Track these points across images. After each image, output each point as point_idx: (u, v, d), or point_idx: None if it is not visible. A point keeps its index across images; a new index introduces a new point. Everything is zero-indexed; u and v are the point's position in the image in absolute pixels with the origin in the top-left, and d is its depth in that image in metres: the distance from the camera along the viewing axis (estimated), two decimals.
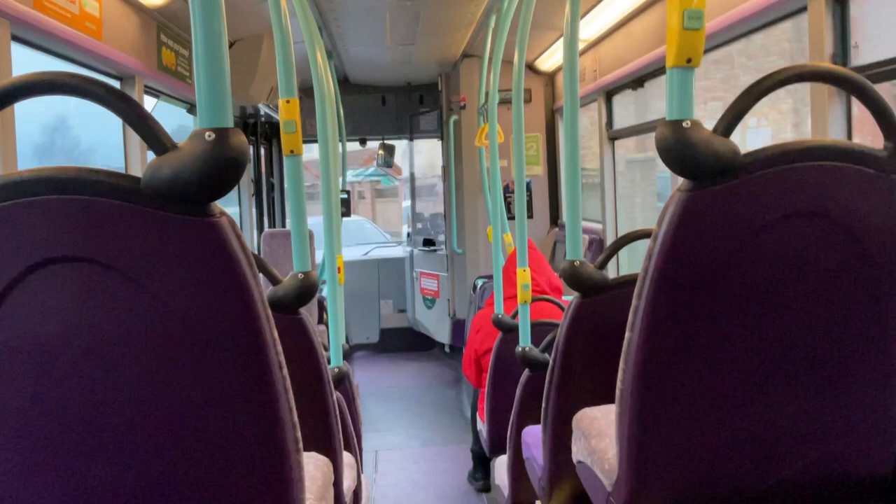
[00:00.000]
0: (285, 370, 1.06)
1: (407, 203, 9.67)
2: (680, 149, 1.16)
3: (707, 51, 3.04)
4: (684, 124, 1.15)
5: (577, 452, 1.70)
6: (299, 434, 1.09)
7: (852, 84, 1.26)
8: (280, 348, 1.04)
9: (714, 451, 1.31)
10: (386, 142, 7.23)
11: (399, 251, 8.04)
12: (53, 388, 0.97)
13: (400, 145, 7.60)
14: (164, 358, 0.97)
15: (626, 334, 1.31)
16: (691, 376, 1.28)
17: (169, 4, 3.60)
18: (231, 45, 4.74)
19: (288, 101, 1.88)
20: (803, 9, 2.48)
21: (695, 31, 1.14)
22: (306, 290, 1.77)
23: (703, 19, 1.14)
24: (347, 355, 2.79)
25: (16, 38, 2.42)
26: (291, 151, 1.90)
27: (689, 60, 1.16)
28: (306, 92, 2.82)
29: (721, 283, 1.22)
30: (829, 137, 2.35)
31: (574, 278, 1.92)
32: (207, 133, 0.94)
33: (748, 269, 1.21)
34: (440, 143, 6.84)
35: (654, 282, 1.23)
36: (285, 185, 1.94)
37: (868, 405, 1.31)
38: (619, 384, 1.35)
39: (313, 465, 1.47)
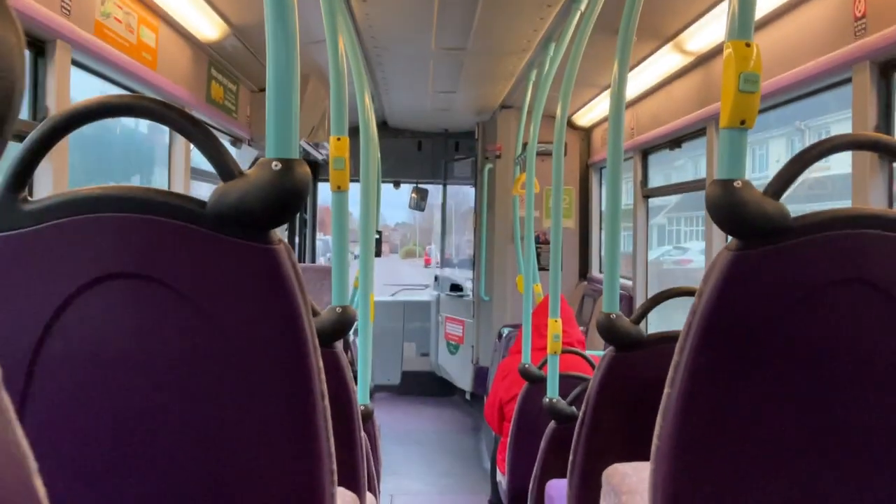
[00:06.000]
0: (327, 400, 1.07)
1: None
2: (730, 208, 1.16)
3: None
4: (735, 184, 1.17)
5: None
6: (335, 466, 1.10)
7: None
8: (324, 378, 1.06)
9: None
10: (419, 186, 7.31)
11: (426, 295, 8.05)
12: (103, 401, 0.99)
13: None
14: (214, 378, 0.99)
15: (665, 390, 1.31)
16: (730, 438, 1.26)
17: (221, 40, 3.71)
18: None
19: (339, 139, 1.92)
20: (848, 80, 2.50)
21: (750, 94, 1.16)
22: (344, 324, 1.78)
23: (759, 83, 1.16)
24: (370, 395, 2.80)
25: (76, 63, 2.51)
26: (339, 188, 1.93)
27: (742, 122, 1.18)
28: (350, 132, 2.88)
29: (765, 345, 1.21)
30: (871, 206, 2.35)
31: (610, 331, 1.92)
32: (274, 163, 0.97)
33: (793, 333, 1.21)
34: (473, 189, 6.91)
35: (696, 339, 1.23)
36: (331, 220, 1.97)
37: None
38: (655, 440, 1.34)
39: (341, 501, 1.46)
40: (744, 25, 1.18)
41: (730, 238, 1.21)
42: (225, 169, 0.97)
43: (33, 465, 0.35)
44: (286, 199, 0.97)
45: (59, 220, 0.97)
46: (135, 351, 0.97)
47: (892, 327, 1.22)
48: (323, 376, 1.05)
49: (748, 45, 1.18)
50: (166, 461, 1.00)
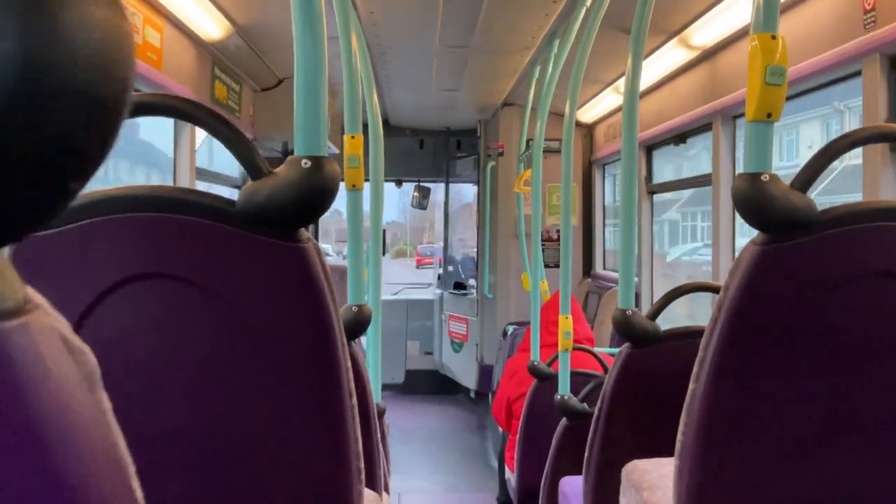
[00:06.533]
0: (355, 398, 1.06)
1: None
2: (757, 201, 1.16)
3: None
4: (762, 177, 1.16)
5: None
6: (363, 465, 1.09)
7: None
8: (352, 376, 1.05)
9: None
10: (421, 184, 7.30)
11: (428, 293, 8.04)
12: (133, 401, 0.98)
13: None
14: (244, 377, 0.98)
15: (690, 386, 1.30)
16: (755, 432, 1.26)
17: (225, 40, 3.70)
18: (280, 82, 4.85)
19: (353, 137, 1.91)
20: (858, 73, 2.49)
21: (777, 87, 1.15)
22: (360, 322, 1.78)
23: (786, 76, 1.16)
24: None
25: None
26: (353, 186, 1.93)
27: (769, 115, 1.17)
28: None
29: (792, 339, 1.21)
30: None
31: (626, 327, 1.91)
32: (304, 160, 0.96)
33: (821, 326, 1.20)
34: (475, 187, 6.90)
35: (723, 333, 1.22)
36: (345, 218, 1.96)
37: None
38: (679, 436, 1.33)
39: (366, 499, 1.46)
40: (769, 17, 1.18)
41: (756, 232, 1.20)
42: (254, 167, 0.96)
43: (132, 467, 0.34)
44: (316, 197, 0.96)
45: (87, 221, 0.96)
46: (166, 351, 0.97)
47: None
48: (350, 374, 1.05)
49: (774, 37, 1.17)
50: (197, 461, 0.99)
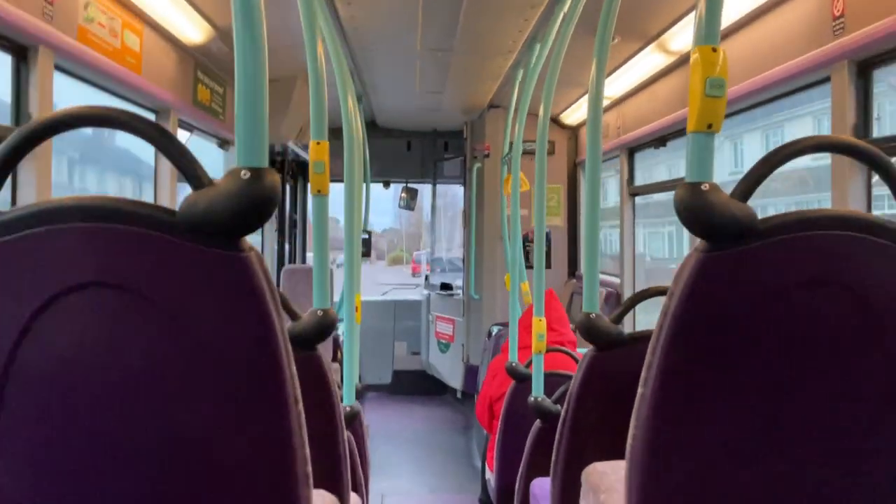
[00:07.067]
0: (301, 405, 1.08)
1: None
2: (697, 210, 1.18)
3: (728, 115, 3.09)
4: (703, 187, 1.18)
5: None
6: (310, 469, 1.11)
7: (869, 156, 1.28)
8: (297, 383, 1.07)
9: None
10: (409, 185, 7.33)
11: (416, 294, 8.06)
12: (76, 411, 1.00)
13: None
14: (186, 385, 1.00)
15: (639, 389, 1.33)
16: (702, 436, 1.28)
17: (207, 43, 3.72)
18: None
19: (318, 143, 1.93)
20: (827, 79, 2.52)
21: (716, 99, 1.18)
22: (325, 326, 1.80)
23: (725, 88, 1.18)
24: (360, 395, 2.81)
25: (59, 68, 2.52)
26: (319, 191, 1.94)
27: (709, 126, 1.20)
28: (335, 133, 2.90)
29: (735, 344, 1.23)
30: (848, 208, 2.37)
31: (589, 331, 1.93)
32: (243, 171, 0.98)
33: (762, 332, 1.23)
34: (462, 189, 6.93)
35: (668, 339, 1.24)
36: (310, 223, 1.99)
37: (882, 479, 1.30)
38: (629, 439, 1.36)
39: (321, 502, 1.48)
40: (710, 31, 1.20)
41: (698, 240, 1.23)
42: (194, 177, 0.98)
43: None
44: (255, 207, 0.98)
45: (26, 232, 0.97)
46: (108, 360, 0.98)
47: (858, 326, 1.24)
48: (297, 382, 1.07)
49: (714, 49, 1.19)
50: (139, 467, 1.01)
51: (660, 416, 1.29)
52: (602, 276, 5.08)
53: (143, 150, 3.89)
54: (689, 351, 1.25)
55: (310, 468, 1.11)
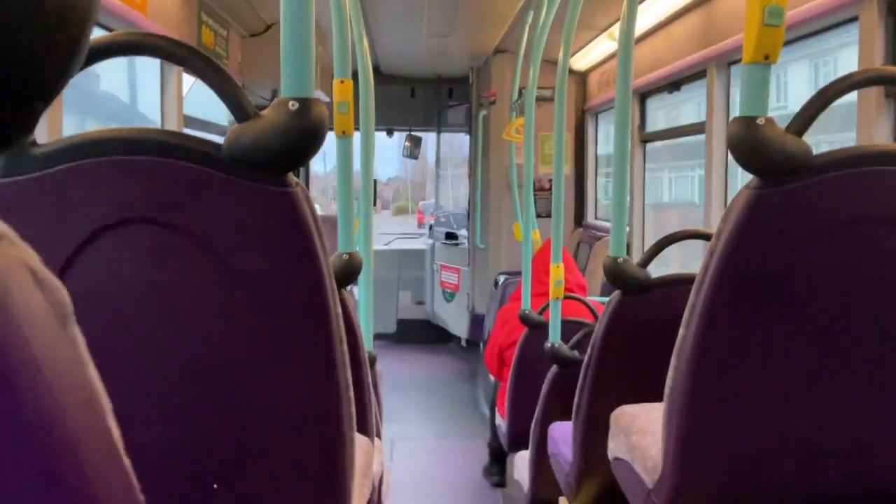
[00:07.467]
0: (345, 345, 1.06)
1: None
2: (752, 146, 1.15)
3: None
4: (758, 121, 1.14)
5: (615, 449, 1.69)
6: (354, 411, 1.09)
7: None
8: (342, 322, 1.04)
9: (762, 452, 1.30)
10: (413, 133, 7.24)
11: (420, 243, 8.04)
12: (120, 347, 0.97)
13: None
14: (231, 322, 0.97)
15: (681, 331, 1.30)
16: (745, 377, 1.27)
17: None
18: (268, 28, 4.76)
19: (342, 82, 1.87)
20: (855, 18, 2.45)
21: (775, 28, 1.13)
22: (350, 270, 1.77)
23: (784, 16, 1.13)
24: None
25: None
26: (343, 132, 1.90)
27: (766, 57, 1.15)
28: None
29: (783, 284, 1.21)
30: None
31: (617, 275, 1.91)
32: (291, 102, 0.94)
33: (813, 271, 1.20)
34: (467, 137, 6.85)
35: (714, 279, 1.22)
36: (336, 166, 1.93)
37: None
38: (669, 381, 1.34)
39: (357, 445, 1.47)
40: None
41: (750, 176, 1.19)
42: (239, 109, 0.94)
43: (108, 405, 0.33)
44: (304, 139, 0.94)
45: (69, 164, 0.93)
46: (151, 296, 0.96)
47: None
48: (341, 321, 1.04)
49: None
50: (186, 407, 0.99)
51: (703, 359, 1.27)
52: (606, 224, 5.05)
53: (133, 95, 3.80)
54: (736, 291, 1.22)
55: (354, 409, 1.09)
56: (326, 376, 1.02)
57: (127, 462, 0.33)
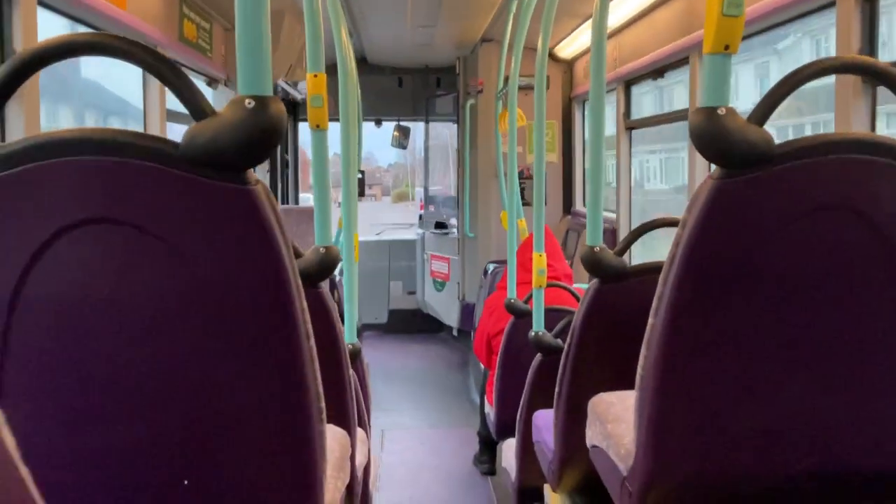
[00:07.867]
0: (312, 340, 1.07)
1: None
2: (713, 136, 1.15)
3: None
4: (719, 111, 1.15)
5: (592, 437, 1.70)
6: (323, 405, 1.10)
7: (890, 78, 1.25)
8: (308, 318, 1.05)
9: (732, 439, 1.32)
10: (401, 123, 7.23)
11: (411, 233, 8.05)
12: (82, 348, 0.98)
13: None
14: (194, 322, 0.98)
15: (650, 320, 1.32)
16: (713, 364, 1.28)
17: None
18: None
19: (315, 76, 1.87)
20: (832, 3, 2.46)
21: (734, 18, 1.14)
22: (328, 263, 1.78)
23: (743, 6, 1.14)
24: (357, 334, 2.82)
25: (41, 3, 2.43)
26: (318, 126, 1.90)
27: (726, 47, 1.16)
28: (327, 70, 2.83)
29: (748, 272, 1.22)
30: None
31: (594, 264, 1.92)
32: (247, 100, 0.94)
33: (776, 259, 1.21)
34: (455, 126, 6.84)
35: (680, 268, 1.23)
36: (310, 160, 1.93)
37: (889, 402, 1.31)
38: (639, 370, 1.36)
39: (331, 438, 1.48)
40: None
41: (713, 167, 1.20)
42: (196, 108, 0.94)
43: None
44: (261, 137, 0.94)
45: (31, 165, 0.94)
46: (113, 296, 0.96)
47: (872, 252, 1.23)
48: (307, 316, 1.05)
49: None
50: (147, 405, 0.99)
51: (671, 346, 1.28)
52: None
53: (114, 83, 3.77)
54: (702, 280, 1.24)
55: (323, 404, 1.10)
56: (293, 372, 1.03)
57: (24, 470, 0.34)
